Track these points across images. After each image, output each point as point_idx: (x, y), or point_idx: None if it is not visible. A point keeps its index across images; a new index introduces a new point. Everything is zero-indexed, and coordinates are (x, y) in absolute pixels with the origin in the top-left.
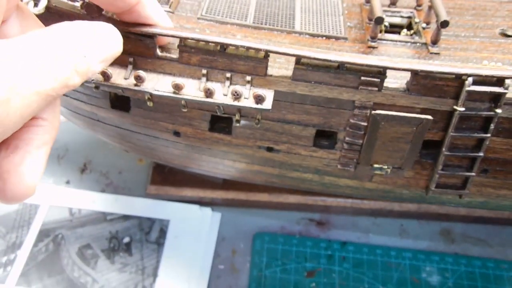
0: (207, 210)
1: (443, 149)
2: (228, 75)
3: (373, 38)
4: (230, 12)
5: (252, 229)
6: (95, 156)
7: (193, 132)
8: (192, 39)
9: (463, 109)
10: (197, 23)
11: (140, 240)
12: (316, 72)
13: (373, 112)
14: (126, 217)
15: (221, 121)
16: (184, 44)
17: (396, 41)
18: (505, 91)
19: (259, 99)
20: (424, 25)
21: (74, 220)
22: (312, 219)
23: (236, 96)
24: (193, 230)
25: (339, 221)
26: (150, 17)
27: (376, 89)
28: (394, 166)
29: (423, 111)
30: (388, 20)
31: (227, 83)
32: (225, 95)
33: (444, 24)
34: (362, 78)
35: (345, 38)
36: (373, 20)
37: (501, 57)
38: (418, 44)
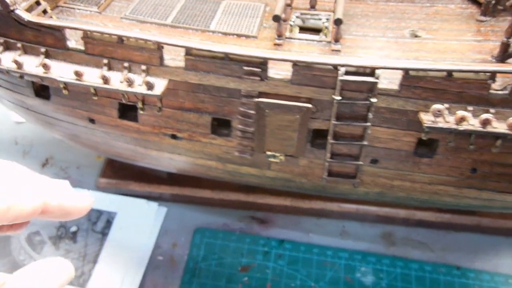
0: (154, 205)
1: (329, 137)
2: (126, 64)
3: (279, 36)
4: (153, 13)
5: (195, 224)
6: (57, 152)
7: (106, 119)
8: (92, 31)
9: (339, 98)
10: (120, 22)
11: (86, 230)
12: (204, 63)
13: (256, 100)
14: None
15: (133, 110)
16: (87, 36)
17: (303, 39)
18: (376, 80)
19: (149, 85)
20: (327, 24)
21: None
22: (255, 217)
23: (129, 82)
24: (138, 222)
25: (282, 221)
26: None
27: (259, 78)
28: (287, 154)
29: (308, 100)
30: (306, 22)
31: (125, 72)
32: (121, 82)
33: (337, 22)
34: (245, 68)
35: (255, 37)
36: (272, 18)
37: (400, 55)
38: (323, 42)
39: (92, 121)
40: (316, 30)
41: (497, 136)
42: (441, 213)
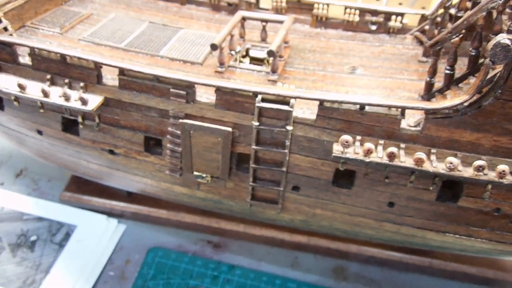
0: (113, 221)
1: (250, 162)
2: (66, 80)
3: (221, 64)
4: (110, 37)
5: (151, 243)
6: (32, 164)
7: (51, 131)
8: (38, 49)
9: (257, 123)
10: (77, 43)
11: (45, 240)
12: (136, 83)
13: (181, 120)
14: (40, 219)
15: (75, 124)
16: (33, 53)
17: (244, 69)
18: (290, 109)
19: (83, 101)
20: (265, 56)
21: None
22: (210, 241)
23: (66, 97)
24: (95, 237)
25: (236, 247)
26: None
27: (185, 101)
28: (213, 176)
29: (234, 125)
30: (250, 53)
31: (65, 87)
32: (60, 96)
33: (270, 53)
34: (171, 90)
35: (200, 64)
36: (210, 47)
37: (331, 88)
38: (263, 72)
39: (40, 132)
40: (262, 61)
41: (412, 171)
42: (392, 251)
